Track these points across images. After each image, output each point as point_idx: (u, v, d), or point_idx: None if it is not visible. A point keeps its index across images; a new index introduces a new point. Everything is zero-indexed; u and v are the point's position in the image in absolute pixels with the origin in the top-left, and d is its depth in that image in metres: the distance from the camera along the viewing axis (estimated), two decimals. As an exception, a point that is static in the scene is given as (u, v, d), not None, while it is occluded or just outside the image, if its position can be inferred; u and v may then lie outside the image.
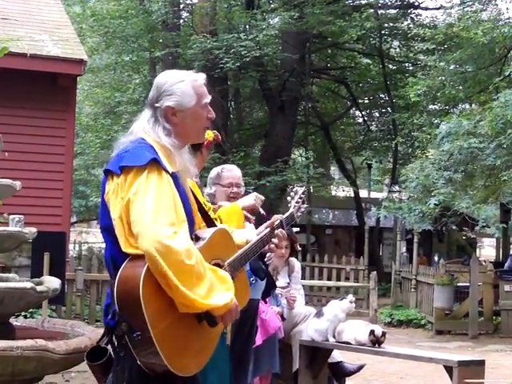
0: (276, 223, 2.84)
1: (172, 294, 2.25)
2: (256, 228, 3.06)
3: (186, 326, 2.32)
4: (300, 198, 3.13)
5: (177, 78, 2.54)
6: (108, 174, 2.42)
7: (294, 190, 3.16)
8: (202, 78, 2.60)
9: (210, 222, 2.71)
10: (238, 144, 16.96)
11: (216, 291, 2.32)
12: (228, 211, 3.42)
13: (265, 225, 2.83)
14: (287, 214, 3.01)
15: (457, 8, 14.69)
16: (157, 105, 2.51)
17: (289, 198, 3.11)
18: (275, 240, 2.79)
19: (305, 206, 3.14)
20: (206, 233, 2.55)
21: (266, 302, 4.40)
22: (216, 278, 2.37)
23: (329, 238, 21.15)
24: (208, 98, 2.59)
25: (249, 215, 3.86)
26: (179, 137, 2.52)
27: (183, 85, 2.52)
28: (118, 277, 2.28)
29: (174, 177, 2.42)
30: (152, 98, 2.54)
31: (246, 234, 2.80)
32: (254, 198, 3.72)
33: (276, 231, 2.82)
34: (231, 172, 4.25)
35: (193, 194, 2.67)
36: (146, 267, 2.24)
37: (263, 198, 3.80)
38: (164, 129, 2.49)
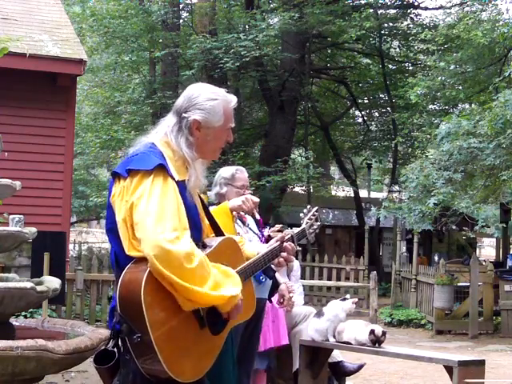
0: (286, 237, 2.92)
1: (175, 291, 2.25)
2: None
3: (187, 331, 2.32)
4: (313, 215, 3.25)
5: (211, 94, 2.53)
6: (115, 176, 2.43)
7: (308, 207, 3.28)
8: (234, 101, 2.59)
9: (219, 232, 2.71)
10: (238, 144, 16.93)
11: (222, 287, 2.33)
12: (216, 210, 3.46)
13: (275, 238, 2.89)
14: (299, 230, 3.13)
15: (457, 8, 14.71)
16: (184, 115, 2.50)
17: (302, 215, 3.23)
18: (284, 254, 2.86)
19: (318, 223, 3.25)
20: (214, 241, 2.56)
21: (271, 302, 4.40)
22: (221, 274, 2.37)
23: (329, 238, 21.12)
24: (233, 123, 2.59)
25: (242, 214, 3.90)
26: (197, 151, 2.52)
27: (216, 103, 2.51)
28: (120, 279, 2.30)
29: (180, 185, 2.42)
30: (180, 107, 2.52)
31: (258, 247, 2.85)
32: (242, 199, 3.72)
33: (285, 244, 2.89)
34: (243, 174, 4.34)
35: (202, 203, 2.68)
36: (148, 270, 2.24)
37: (257, 200, 3.79)
38: (187, 140, 2.49)
